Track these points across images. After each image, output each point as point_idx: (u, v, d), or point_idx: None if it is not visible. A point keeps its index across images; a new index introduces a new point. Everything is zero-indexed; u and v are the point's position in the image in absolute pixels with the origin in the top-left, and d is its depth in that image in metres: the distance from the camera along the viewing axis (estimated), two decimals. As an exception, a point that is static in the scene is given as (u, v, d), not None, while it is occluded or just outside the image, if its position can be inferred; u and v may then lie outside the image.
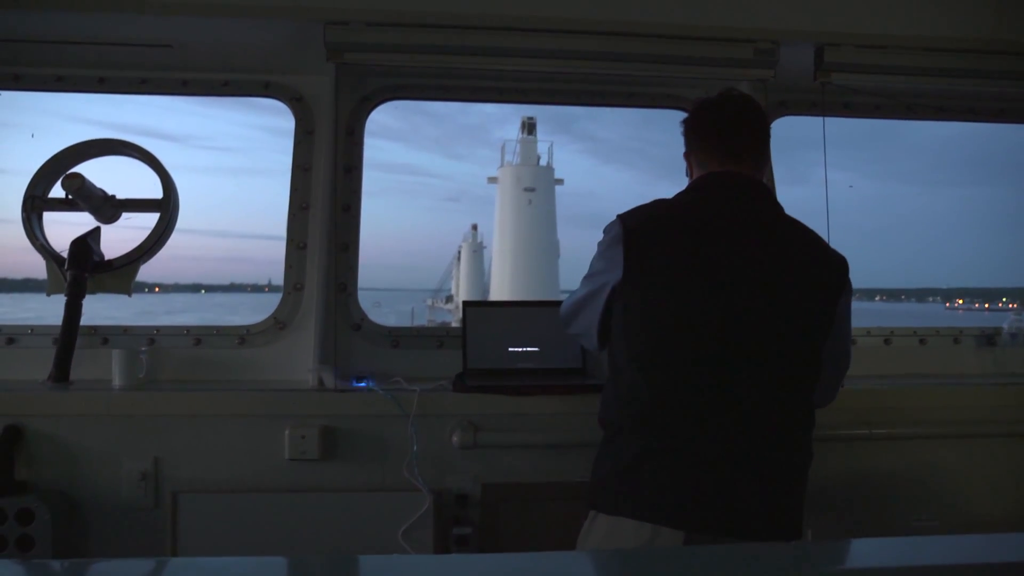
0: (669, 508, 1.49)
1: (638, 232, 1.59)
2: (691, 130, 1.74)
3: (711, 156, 1.68)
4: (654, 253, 1.57)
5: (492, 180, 27.54)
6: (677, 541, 1.47)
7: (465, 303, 2.38)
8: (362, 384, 2.12)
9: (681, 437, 1.51)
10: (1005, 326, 2.67)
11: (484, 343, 2.27)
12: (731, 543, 1.48)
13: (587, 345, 1.84)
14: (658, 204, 1.67)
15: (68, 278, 2.26)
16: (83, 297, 2.27)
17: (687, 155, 1.76)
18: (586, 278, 1.72)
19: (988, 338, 2.68)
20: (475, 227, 39.57)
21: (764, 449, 1.54)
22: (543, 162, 27.45)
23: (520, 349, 2.28)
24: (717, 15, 2.25)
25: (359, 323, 2.42)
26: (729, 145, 1.67)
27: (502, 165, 26.98)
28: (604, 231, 1.67)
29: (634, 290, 1.57)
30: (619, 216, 1.65)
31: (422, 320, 34.16)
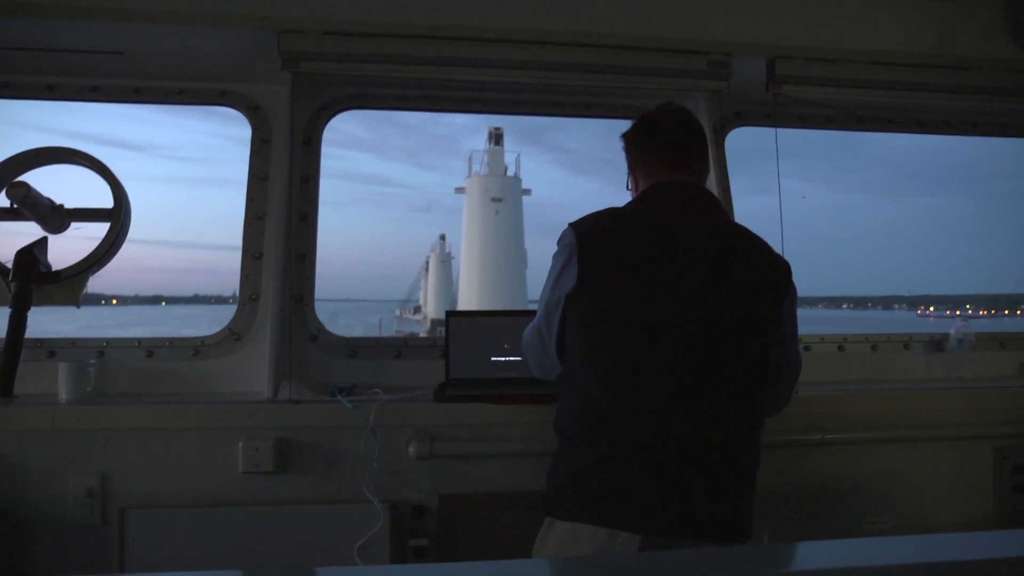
0: (625, 512, 1.50)
1: (590, 238, 1.61)
2: (634, 144, 1.77)
3: (656, 167, 1.71)
4: (606, 258, 1.59)
5: (460, 190, 27.52)
6: (634, 545, 1.48)
7: (448, 313, 2.37)
8: (335, 396, 2.08)
9: (636, 442, 1.53)
10: (952, 331, 2.75)
11: (467, 353, 2.27)
12: (686, 546, 1.50)
13: (547, 372, 1.77)
14: (610, 211, 1.70)
15: (12, 289, 2.20)
16: (28, 309, 2.20)
17: (632, 169, 1.78)
18: (543, 296, 1.70)
19: (937, 344, 2.75)
20: (443, 237, 39.51)
21: (715, 453, 1.56)
22: (511, 172, 27.54)
23: (503, 359, 2.28)
24: (671, 27, 2.29)
25: (316, 334, 2.39)
26: (675, 156, 1.71)
27: (469, 175, 27.01)
28: (558, 241, 1.67)
29: (587, 296, 1.58)
30: (571, 224, 1.66)
31: (390, 331, 33.91)
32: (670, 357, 1.55)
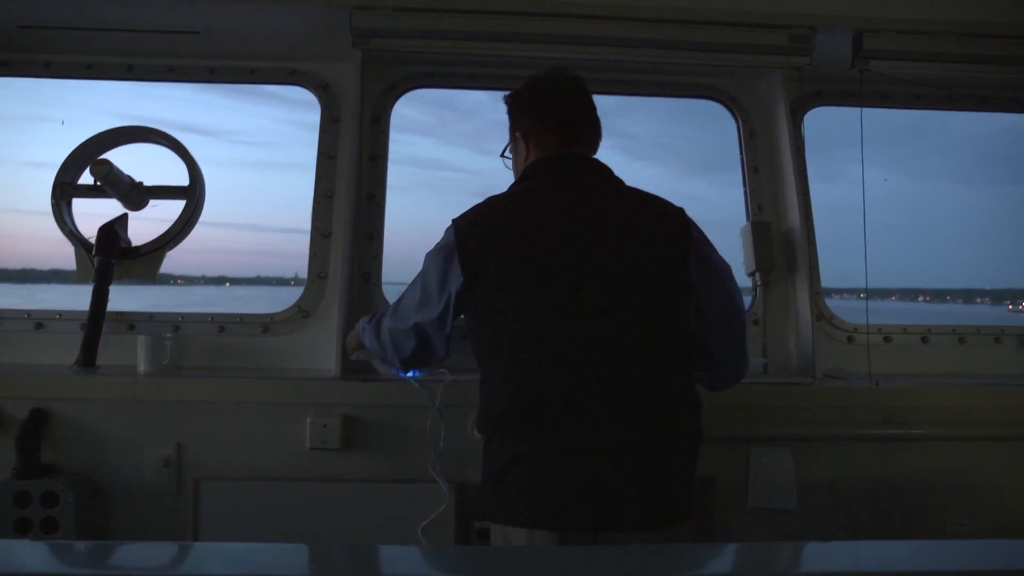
0: (539, 511, 1.45)
1: (470, 236, 1.55)
2: (527, 108, 1.70)
3: (551, 138, 1.65)
4: (491, 255, 1.52)
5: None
6: (552, 542, 1.43)
7: None
8: (409, 374, 2.07)
9: (546, 438, 1.47)
10: (1050, 325, 2.57)
11: None
12: (610, 539, 1.43)
13: (415, 354, 1.73)
14: (493, 201, 1.62)
15: (95, 264, 2.28)
16: (110, 283, 2.29)
17: (523, 135, 1.69)
18: (423, 280, 1.63)
19: (1031, 338, 2.58)
20: (502, 222, 39.47)
21: (635, 436, 1.47)
22: (571, 157, 27.29)
23: None
24: (751, 0, 2.19)
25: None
26: (571, 127, 1.65)
27: (529, 160, 26.91)
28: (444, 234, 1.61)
29: (476, 295, 1.54)
30: (453, 220, 1.60)
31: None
32: (571, 346, 1.48)
